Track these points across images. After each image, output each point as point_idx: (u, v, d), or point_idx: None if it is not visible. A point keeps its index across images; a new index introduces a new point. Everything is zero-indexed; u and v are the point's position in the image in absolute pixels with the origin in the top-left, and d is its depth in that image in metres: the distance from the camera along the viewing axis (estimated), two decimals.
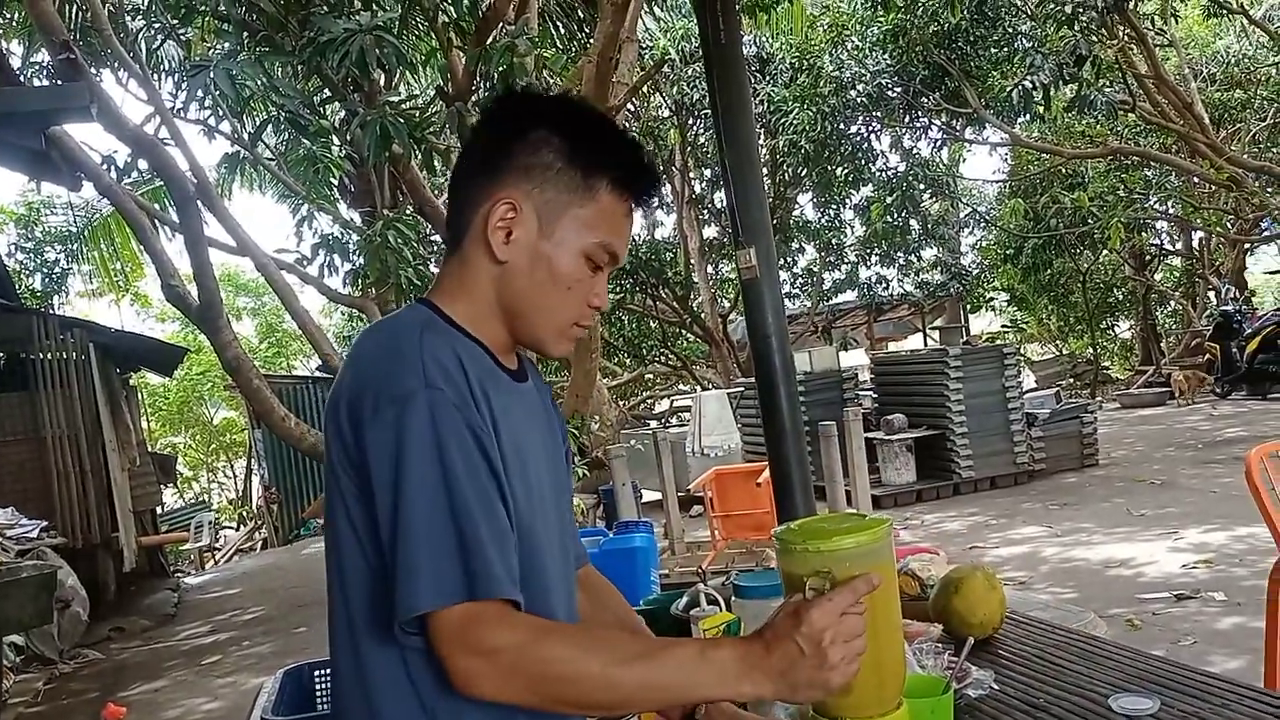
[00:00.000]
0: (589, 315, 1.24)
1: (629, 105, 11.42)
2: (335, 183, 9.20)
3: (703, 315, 16.17)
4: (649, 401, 18.52)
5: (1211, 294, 17.86)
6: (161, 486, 12.27)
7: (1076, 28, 10.89)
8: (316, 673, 2.07)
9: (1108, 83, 12.58)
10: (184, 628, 8.15)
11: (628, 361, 17.54)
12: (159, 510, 12.40)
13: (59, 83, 7.80)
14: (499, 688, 1.03)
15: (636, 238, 16.90)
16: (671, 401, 17.59)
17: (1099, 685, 1.67)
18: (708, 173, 15.99)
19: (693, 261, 15.99)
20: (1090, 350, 19.25)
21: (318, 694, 2.06)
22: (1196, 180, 15.74)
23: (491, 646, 1.02)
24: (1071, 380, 18.01)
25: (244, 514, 18.17)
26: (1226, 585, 5.31)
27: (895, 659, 1.17)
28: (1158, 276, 20.16)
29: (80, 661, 7.12)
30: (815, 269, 18.29)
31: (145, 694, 6.18)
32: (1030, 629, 2.04)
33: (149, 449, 12.01)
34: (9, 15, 9.96)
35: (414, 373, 1.08)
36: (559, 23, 9.90)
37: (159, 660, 7.05)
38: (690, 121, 14.98)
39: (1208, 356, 14.69)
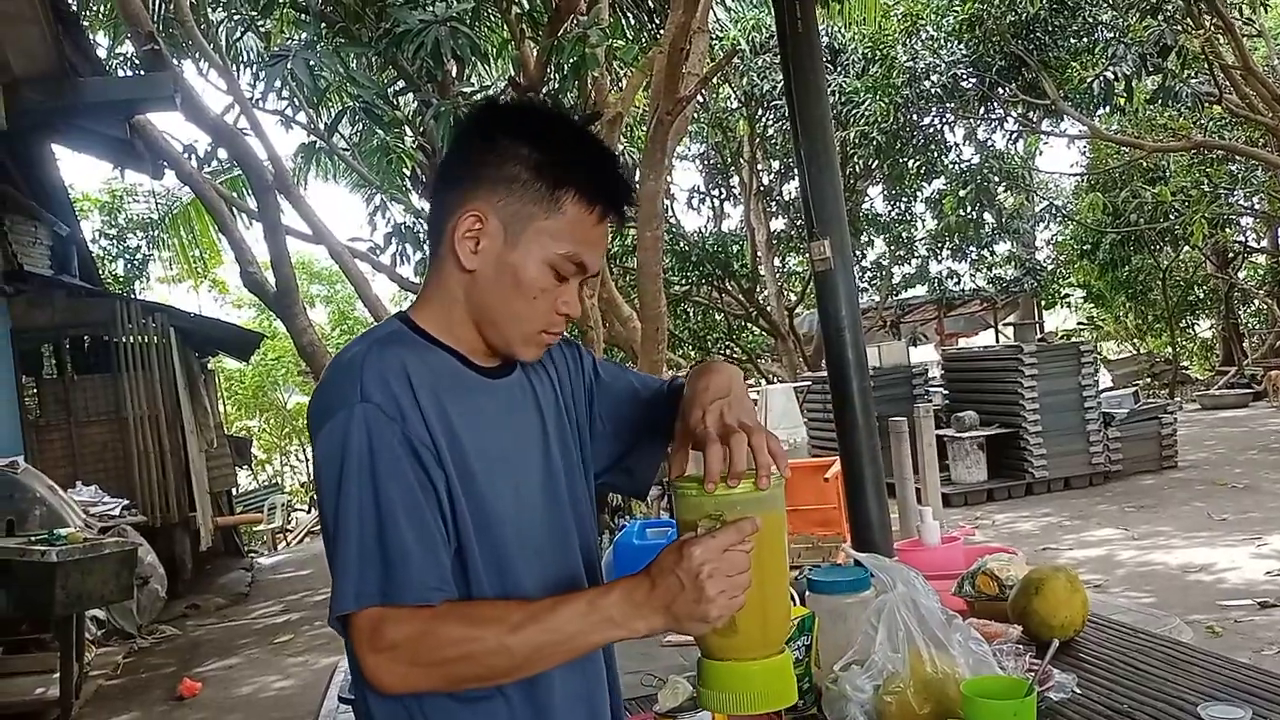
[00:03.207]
0: (559, 323, 1.26)
1: (699, 96, 11.37)
2: (408, 173, 9.30)
3: (769, 308, 16.05)
4: None
5: None
6: (237, 468, 12.55)
7: (1161, 17, 10.56)
8: None
9: (1193, 74, 12.19)
10: (257, 607, 8.34)
11: (692, 354, 17.50)
12: (234, 491, 12.70)
13: (143, 73, 8.01)
14: (403, 680, 1.09)
15: (703, 229, 16.83)
16: None
17: (1186, 693, 1.62)
18: (776, 164, 15.86)
19: (760, 254, 15.88)
20: (1169, 349, 18.71)
21: None
22: None
23: (390, 642, 1.08)
24: (1149, 380, 17.53)
25: (315, 497, 18.53)
26: None
27: (780, 605, 1.19)
28: (1241, 274, 19.52)
29: (158, 637, 7.33)
30: (884, 262, 18.04)
31: (220, 670, 6.35)
32: (1113, 632, 1.99)
33: (225, 432, 12.30)
34: (96, 7, 10.25)
35: (352, 388, 1.14)
36: (629, 13, 9.89)
37: (233, 638, 7.23)
38: (760, 113, 14.86)
39: None
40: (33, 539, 5.31)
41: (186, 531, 9.21)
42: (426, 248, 7.47)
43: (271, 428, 23.44)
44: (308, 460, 22.45)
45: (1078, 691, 1.65)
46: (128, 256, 16.01)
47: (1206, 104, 13.19)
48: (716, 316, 17.00)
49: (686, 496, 1.15)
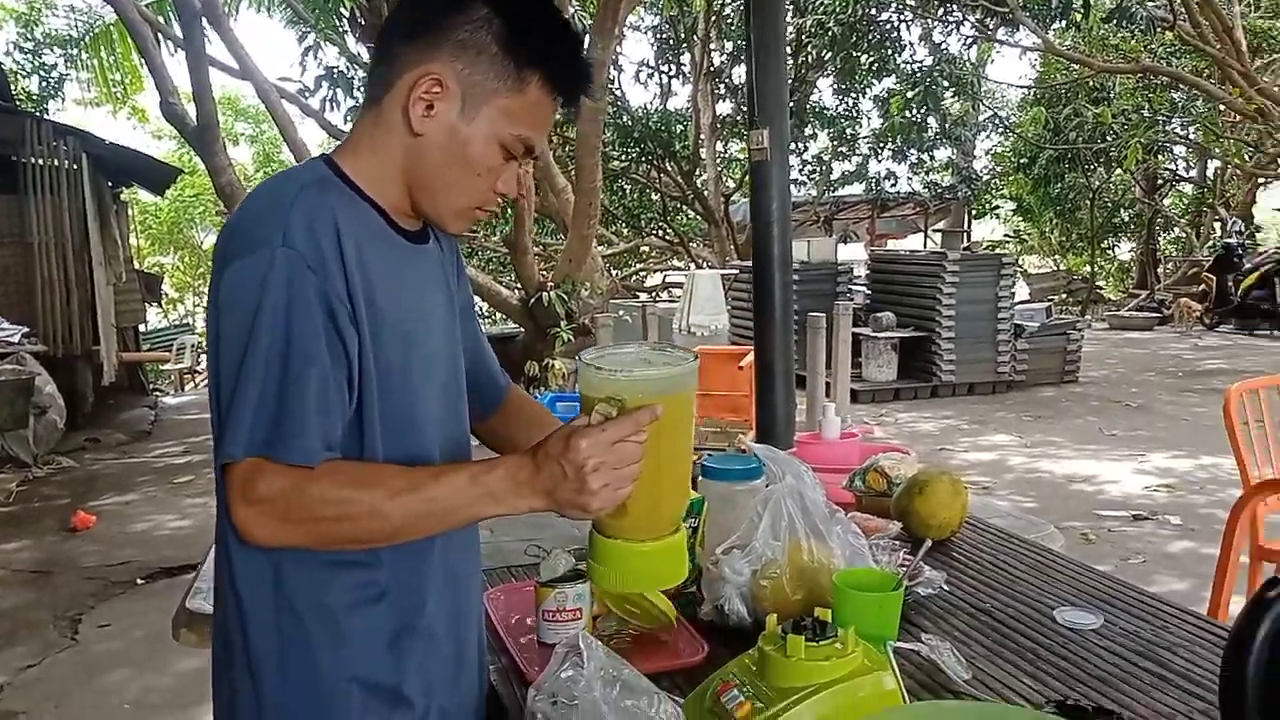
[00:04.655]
0: (494, 201, 1.24)
1: None
2: (346, 14, 8.89)
3: (705, 193, 15.93)
4: (641, 274, 18.42)
5: (1217, 225, 17.73)
6: (146, 305, 12.24)
7: None
8: None
9: None
10: (158, 446, 8.25)
11: (624, 232, 17.37)
12: (142, 328, 12.41)
13: None
14: (274, 533, 1.08)
15: (648, 105, 16.51)
16: (664, 277, 17.49)
17: (1047, 597, 1.70)
18: (730, 46, 15.52)
19: (702, 137, 15.67)
20: (1088, 268, 19.19)
21: None
22: (1223, 108, 15.40)
23: (263, 495, 1.06)
24: (1065, 296, 18.00)
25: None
26: (1183, 510, 5.44)
27: (676, 490, 1.18)
28: (1167, 202, 19.96)
29: (54, 468, 7.22)
30: (825, 158, 17.97)
31: (115, 505, 6.30)
32: (987, 536, 2.07)
33: (136, 266, 11.94)
34: None
35: (276, 229, 1.09)
36: None
37: (131, 474, 7.16)
38: None
39: (1202, 287, 14.68)
40: None
41: (89, 364, 9.01)
42: (360, 93, 7.25)
43: (185, 266, 22.82)
44: None
45: (945, 588, 1.72)
46: (43, 74, 15.17)
47: (1160, 28, 13.19)
48: (653, 196, 16.82)
49: (589, 373, 1.13)
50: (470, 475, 1.09)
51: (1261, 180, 17.19)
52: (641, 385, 1.10)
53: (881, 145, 17.39)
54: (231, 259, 1.11)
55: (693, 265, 15.15)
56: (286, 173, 1.23)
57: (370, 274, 1.14)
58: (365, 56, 8.54)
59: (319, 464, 1.07)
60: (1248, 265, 13.59)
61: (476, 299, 8.47)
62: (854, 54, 14.51)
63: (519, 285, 9.91)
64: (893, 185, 18.09)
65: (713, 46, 15.42)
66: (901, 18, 14.47)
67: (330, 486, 1.07)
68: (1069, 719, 1.24)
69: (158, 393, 11.77)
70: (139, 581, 4.87)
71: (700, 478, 1.91)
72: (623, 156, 15.37)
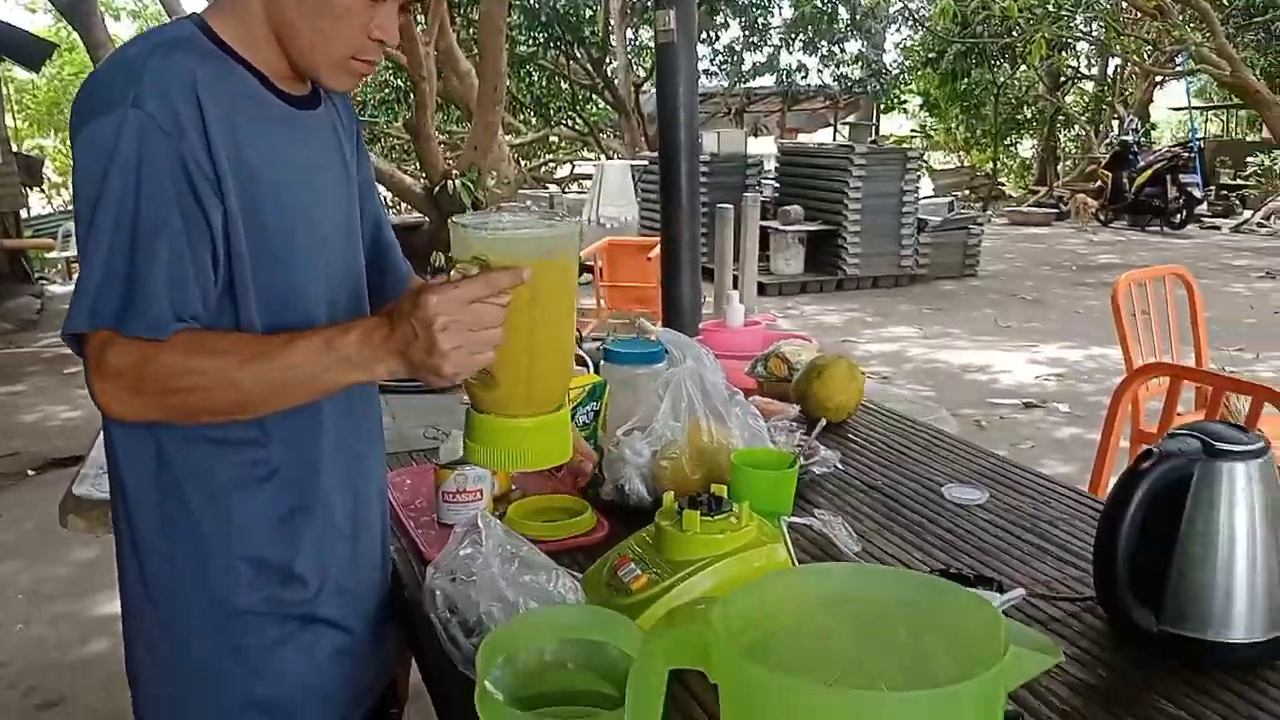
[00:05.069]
0: (373, 49, 1.13)
1: None
2: None
3: (616, 82, 15.63)
4: (551, 165, 18.13)
5: (1115, 122, 18.14)
6: (26, 189, 11.59)
7: None
8: None
9: None
10: (46, 335, 7.91)
11: (533, 121, 17.00)
12: (24, 214, 11.78)
13: None
14: (130, 407, 1.05)
15: None
16: (573, 168, 17.24)
17: (936, 475, 1.76)
18: None
19: (612, 23, 15.29)
20: (991, 164, 19.52)
21: None
22: (1124, 5, 15.61)
23: (114, 369, 1.02)
24: (968, 192, 18.35)
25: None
26: (1072, 398, 5.68)
27: (554, 362, 1.10)
28: (1068, 99, 20.32)
29: None
30: (737, 48, 17.74)
31: (2, 395, 6.08)
32: (883, 418, 2.12)
33: (13, 148, 11.27)
34: None
35: (127, 90, 1.01)
36: None
37: (19, 364, 6.88)
38: None
39: (1099, 183, 15.09)
40: None
41: None
42: None
43: (69, 149, 21.62)
44: None
45: (839, 467, 1.76)
46: None
47: None
48: (562, 84, 16.44)
49: (457, 231, 1.05)
50: (325, 340, 1.03)
51: (1159, 79, 17.58)
52: (508, 245, 1.02)
53: (793, 36, 17.23)
54: (82, 123, 1.04)
55: (603, 156, 14.95)
56: (148, 32, 1.14)
57: (240, 138, 1.07)
58: None
59: (170, 335, 1.02)
60: (1142, 163, 13.99)
61: (380, 188, 8.26)
62: None
63: (423, 174, 9.66)
64: (803, 78, 18.01)
65: None
66: None
67: (180, 357, 1.02)
68: None
69: (44, 281, 11.25)
70: (29, 473, 4.72)
71: (603, 361, 1.91)
72: (530, 41, 14.94)
